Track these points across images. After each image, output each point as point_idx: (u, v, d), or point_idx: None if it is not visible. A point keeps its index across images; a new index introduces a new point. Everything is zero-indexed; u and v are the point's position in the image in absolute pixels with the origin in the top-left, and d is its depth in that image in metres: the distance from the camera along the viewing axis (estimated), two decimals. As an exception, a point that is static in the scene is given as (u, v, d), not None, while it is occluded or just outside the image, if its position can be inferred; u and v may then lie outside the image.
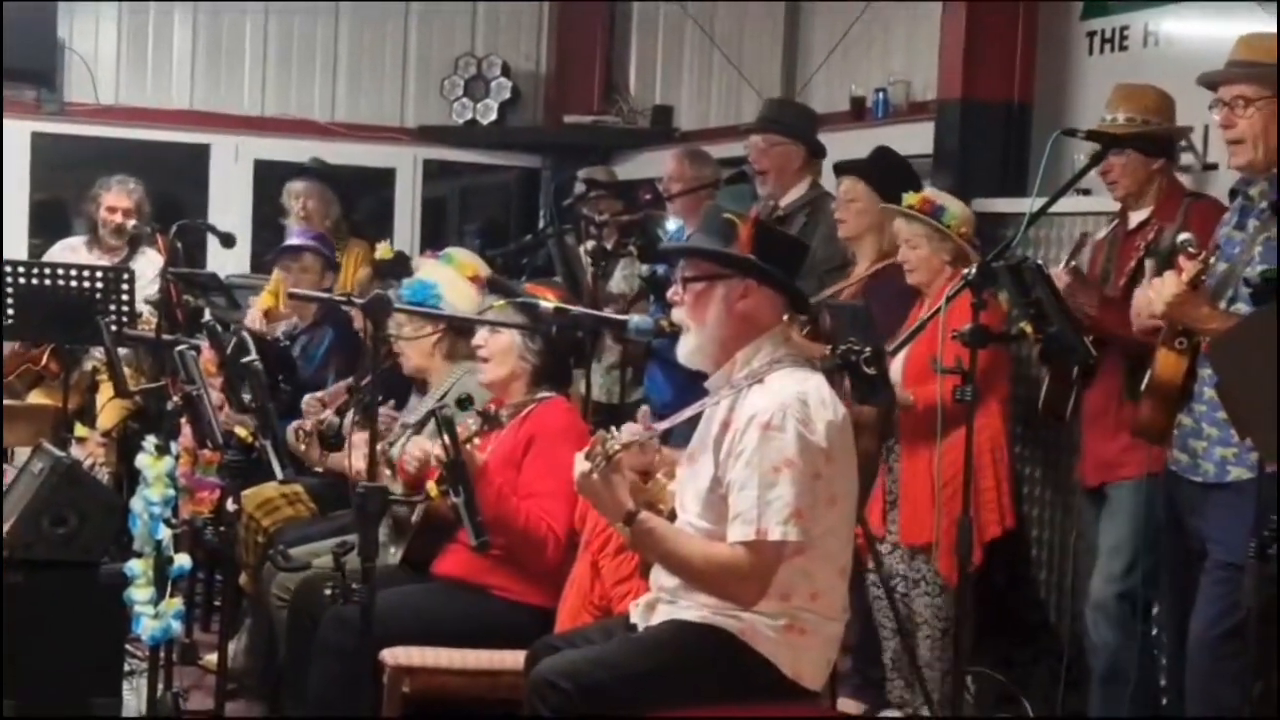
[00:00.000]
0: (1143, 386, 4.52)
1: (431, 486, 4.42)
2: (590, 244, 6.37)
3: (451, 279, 5.48)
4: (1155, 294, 4.33)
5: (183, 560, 4.66)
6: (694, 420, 4.04)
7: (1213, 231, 4.58)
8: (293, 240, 7.15)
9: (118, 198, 7.82)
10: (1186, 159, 5.79)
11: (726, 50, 9.10)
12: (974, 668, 5.77)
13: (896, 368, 5.39)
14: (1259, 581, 3.62)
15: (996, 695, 5.80)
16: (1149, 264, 4.68)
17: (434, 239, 10.14)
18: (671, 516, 4.05)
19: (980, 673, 5.82)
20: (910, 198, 5.52)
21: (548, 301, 4.81)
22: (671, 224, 6.94)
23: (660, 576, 4.00)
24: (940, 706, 5.30)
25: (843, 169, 6.10)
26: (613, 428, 3.90)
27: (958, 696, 4.65)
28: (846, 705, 5.84)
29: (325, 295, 5.93)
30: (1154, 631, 5.09)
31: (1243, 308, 4.26)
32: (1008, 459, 5.48)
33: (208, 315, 5.76)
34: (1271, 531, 3.64)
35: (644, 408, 4.08)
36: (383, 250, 6.43)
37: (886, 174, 5.90)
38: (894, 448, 5.57)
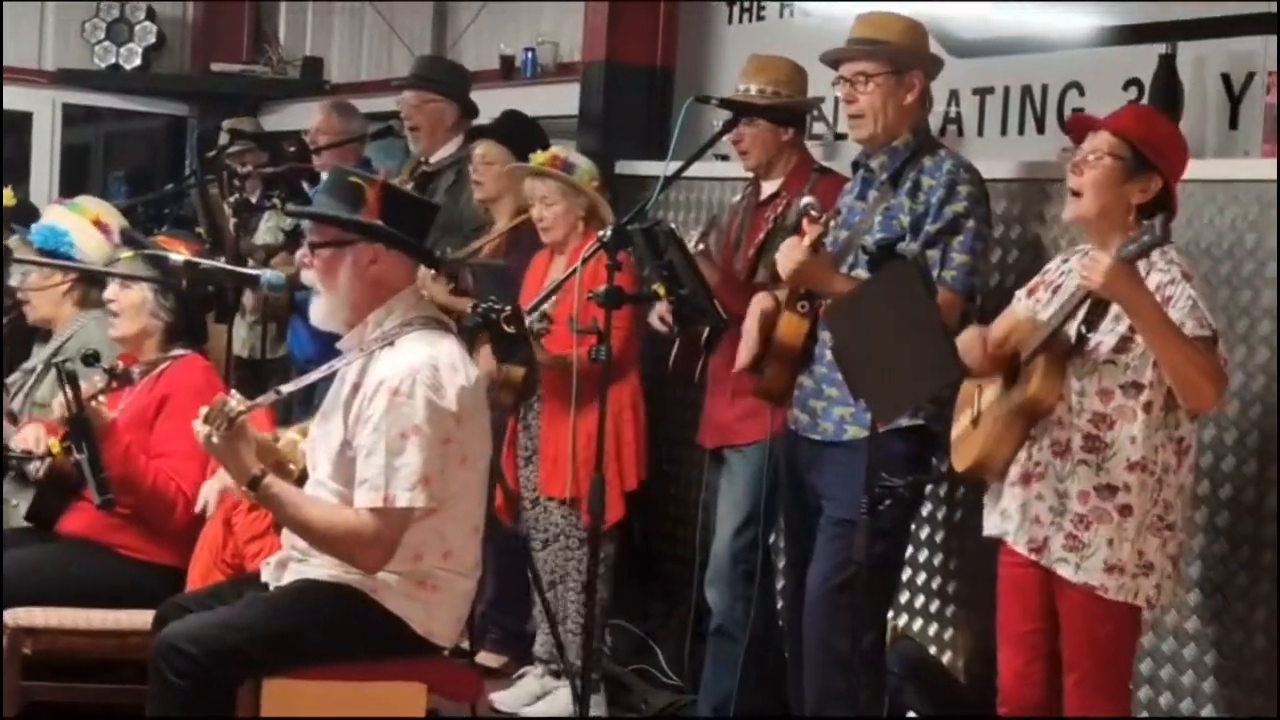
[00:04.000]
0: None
1: (54, 443, 4.31)
2: (234, 196, 6.25)
3: (83, 226, 5.31)
4: (780, 258, 4.48)
5: None
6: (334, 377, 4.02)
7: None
8: None
9: None
10: (819, 128, 6.00)
11: (377, 4, 9.02)
12: (612, 620, 5.90)
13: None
14: (869, 537, 3.79)
15: (632, 646, 5.94)
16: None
17: (76, 186, 9.78)
18: (304, 475, 4.03)
19: (617, 625, 5.96)
20: (539, 156, 5.58)
21: (179, 254, 4.72)
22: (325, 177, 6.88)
23: (292, 535, 3.98)
24: (577, 658, 5.40)
25: (476, 133, 6.14)
26: (234, 391, 3.86)
27: (590, 648, 4.74)
28: (487, 659, 5.91)
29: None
30: (779, 586, 5.29)
31: (862, 274, 4.44)
32: (643, 414, 5.61)
33: None
34: (882, 489, 3.82)
35: None
36: (7, 198, 6.18)
37: (519, 135, 5.96)
38: (532, 405, 5.64)
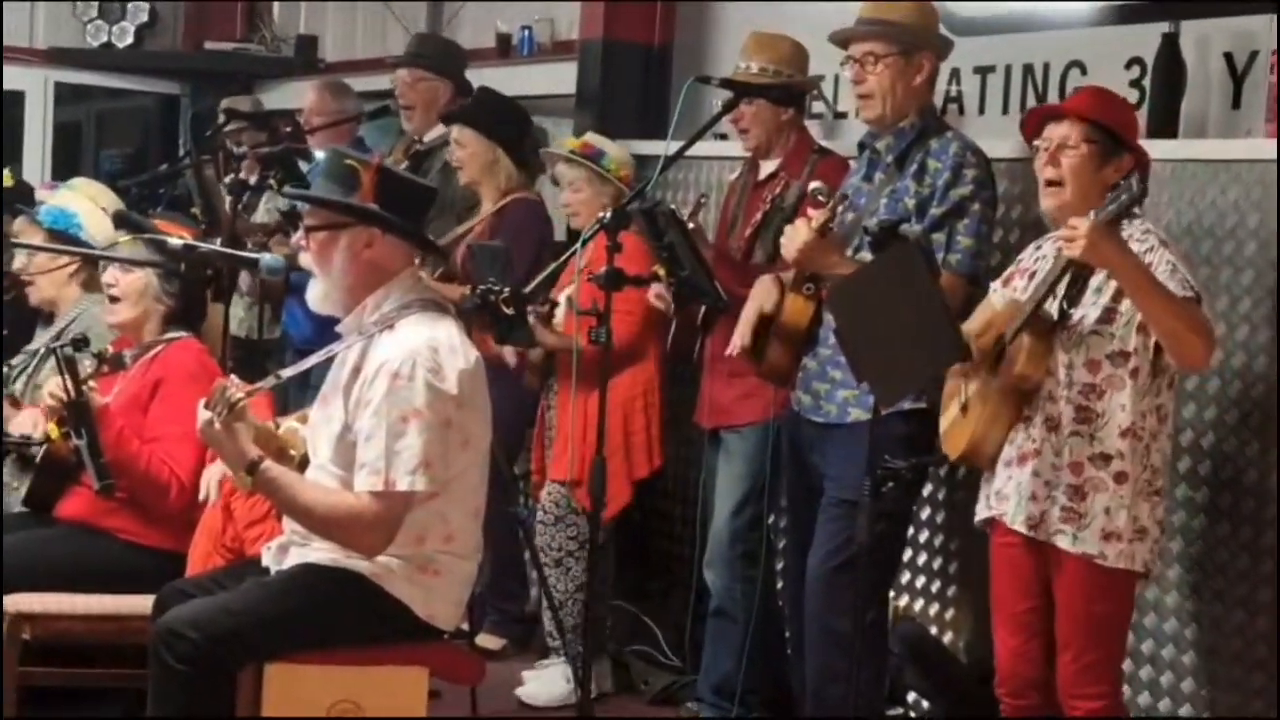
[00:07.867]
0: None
1: (52, 428, 4.28)
2: (230, 176, 6.22)
3: (91, 209, 5.29)
4: (786, 242, 4.46)
5: None
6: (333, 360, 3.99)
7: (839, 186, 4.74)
8: None
9: None
10: (818, 107, 5.97)
11: (373, -19, 8.98)
12: (611, 601, 5.89)
13: (562, 308, 5.40)
14: (871, 518, 3.79)
15: (631, 627, 5.94)
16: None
17: (69, 166, 9.74)
18: (305, 462, 4.01)
19: (617, 605, 5.95)
20: (570, 142, 5.58)
21: (178, 238, 4.68)
22: (321, 156, 6.83)
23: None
24: (577, 638, 5.39)
25: (449, 118, 6.11)
26: (232, 375, 3.83)
27: (592, 628, 4.74)
28: (486, 641, 5.91)
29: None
30: (779, 566, 5.28)
31: (868, 256, 4.43)
32: (659, 402, 5.58)
33: None
34: (885, 471, 3.81)
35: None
36: (6, 178, 6.14)
37: (492, 115, 5.92)
38: (552, 385, 5.63)
